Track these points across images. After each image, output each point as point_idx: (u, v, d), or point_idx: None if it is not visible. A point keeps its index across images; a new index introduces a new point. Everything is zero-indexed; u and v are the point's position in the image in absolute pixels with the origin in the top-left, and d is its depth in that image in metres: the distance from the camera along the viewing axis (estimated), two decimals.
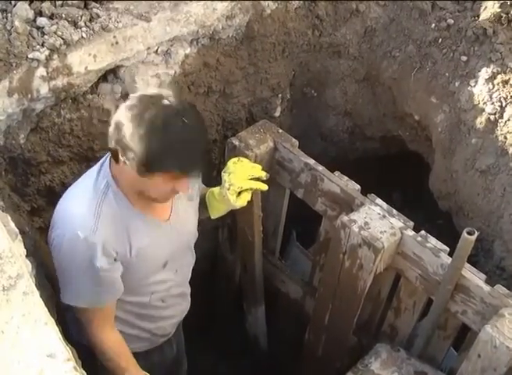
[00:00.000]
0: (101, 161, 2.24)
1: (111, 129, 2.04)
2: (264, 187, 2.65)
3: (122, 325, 2.50)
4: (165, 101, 1.97)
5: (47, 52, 2.40)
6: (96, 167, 2.23)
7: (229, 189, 2.52)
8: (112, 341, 2.40)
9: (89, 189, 2.17)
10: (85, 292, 2.23)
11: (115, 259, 2.21)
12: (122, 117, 1.98)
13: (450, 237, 3.04)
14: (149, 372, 2.57)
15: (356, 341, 3.22)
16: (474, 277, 2.58)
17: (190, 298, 2.81)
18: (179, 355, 3.10)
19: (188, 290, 2.77)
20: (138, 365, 2.49)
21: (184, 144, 1.98)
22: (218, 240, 3.71)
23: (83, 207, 2.13)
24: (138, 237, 2.26)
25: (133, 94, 2.06)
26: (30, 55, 2.37)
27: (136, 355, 2.54)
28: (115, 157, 2.07)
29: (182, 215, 2.45)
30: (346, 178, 2.96)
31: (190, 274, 2.74)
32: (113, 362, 2.42)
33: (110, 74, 2.73)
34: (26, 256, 2.01)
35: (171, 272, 2.52)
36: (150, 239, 2.31)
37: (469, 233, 2.38)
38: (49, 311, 1.84)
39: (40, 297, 1.81)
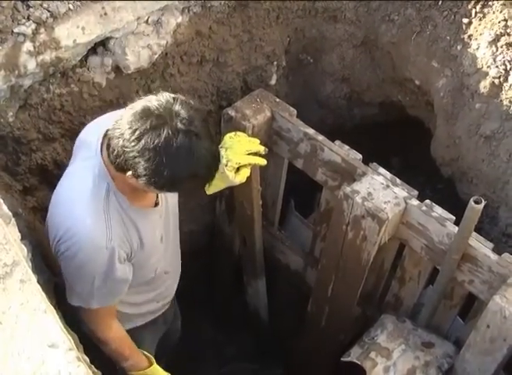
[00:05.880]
0: (93, 161, 2.11)
1: (119, 151, 1.93)
2: (263, 162, 2.59)
3: (134, 307, 2.57)
4: (181, 125, 1.87)
5: (33, 26, 2.31)
6: (88, 167, 2.11)
7: (226, 165, 2.46)
8: (114, 331, 2.41)
9: (90, 194, 2.08)
10: (98, 295, 2.21)
11: (128, 260, 2.23)
12: (140, 147, 1.87)
13: (452, 202, 3.01)
14: (142, 345, 2.60)
15: (360, 312, 3.19)
16: (481, 246, 2.54)
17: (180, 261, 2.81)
18: (172, 327, 3.15)
19: (179, 254, 2.75)
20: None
21: (208, 168, 1.99)
22: (215, 212, 3.65)
23: (92, 217, 2.07)
24: (145, 229, 2.25)
25: (136, 111, 1.91)
26: (15, 30, 2.28)
27: (132, 330, 2.59)
28: (120, 171, 2.00)
29: (169, 198, 2.43)
30: (347, 147, 2.89)
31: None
32: (117, 352, 2.44)
33: (99, 47, 2.63)
34: (21, 240, 1.96)
35: (167, 244, 2.50)
36: (152, 226, 2.31)
37: (476, 202, 2.32)
38: (48, 296, 1.79)
39: (38, 282, 1.78)
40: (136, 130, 1.87)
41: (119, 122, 1.93)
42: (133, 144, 1.87)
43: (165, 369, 2.63)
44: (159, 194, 2.34)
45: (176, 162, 1.88)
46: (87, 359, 1.81)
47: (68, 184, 2.17)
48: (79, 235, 2.06)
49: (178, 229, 2.63)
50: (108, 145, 1.99)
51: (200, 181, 2.06)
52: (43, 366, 1.57)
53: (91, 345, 2.18)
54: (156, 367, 2.57)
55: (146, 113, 1.88)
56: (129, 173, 1.95)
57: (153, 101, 1.91)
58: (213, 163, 2.00)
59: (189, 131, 1.88)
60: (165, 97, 1.93)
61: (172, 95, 1.95)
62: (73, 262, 2.11)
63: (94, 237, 2.06)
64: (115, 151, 1.94)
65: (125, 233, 2.16)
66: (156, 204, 2.33)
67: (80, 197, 2.09)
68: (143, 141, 1.86)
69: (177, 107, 1.90)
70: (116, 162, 1.97)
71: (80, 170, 2.15)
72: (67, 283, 2.22)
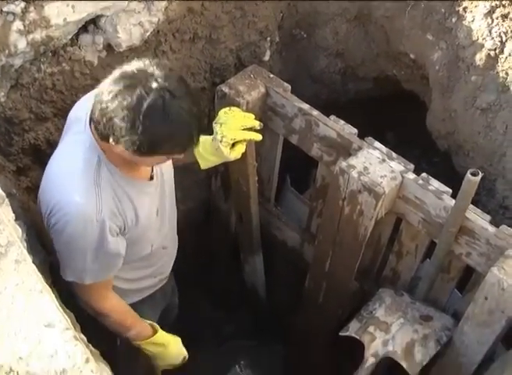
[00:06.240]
0: (83, 136, 2.10)
1: (98, 115, 1.94)
2: (259, 137, 2.57)
3: (131, 283, 2.57)
4: (155, 84, 1.87)
5: (22, 4, 2.28)
6: (79, 141, 2.11)
7: (221, 141, 2.45)
8: (111, 303, 2.40)
9: (80, 167, 2.07)
10: (91, 270, 2.20)
11: (121, 234, 2.21)
12: (114, 107, 1.88)
13: (448, 175, 3.00)
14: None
15: (357, 287, 3.19)
16: (478, 219, 2.53)
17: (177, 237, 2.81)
18: (171, 302, 3.19)
19: (176, 229, 2.74)
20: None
21: (186, 128, 1.95)
22: (211, 189, 3.64)
23: (82, 189, 2.05)
24: (140, 202, 2.24)
25: (115, 76, 1.94)
26: (4, 9, 2.25)
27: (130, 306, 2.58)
28: (104, 139, 1.99)
29: (165, 173, 2.42)
30: (342, 122, 2.88)
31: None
32: (118, 323, 2.44)
33: (90, 25, 2.60)
34: (15, 220, 1.94)
35: (163, 218, 2.50)
36: (147, 200, 2.29)
37: (473, 174, 2.32)
38: (43, 277, 1.78)
39: (33, 262, 1.76)
40: (111, 91, 1.89)
41: (101, 88, 1.95)
42: (108, 104, 1.89)
43: None
44: (154, 168, 2.32)
45: (150, 120, 1.87)
46: (85, 338, 1.81)
47: (58, 159, 2.15)
48: (68, 208, 2.04)
49: (175, 205, 2.62)
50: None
51: (180, 142, 1.99)
52: (39, 345, 1.56)
53: (89, 325, 2.17)
54: (162, 333, 2.58)
55: (122, 76, 1.91)
56: (111, 139, 1.94)
57: (131, 65, 1.94)
58: (192, 122, 1.95)
59: (162, 89, 1.88)
60: (143, 61, 1.95)
61: (151, 60, 1.96)
62: (62, 236, 2.09)
63: (84, 210, 2.04)
64: (96, 117, 1.95)
65: (117, 205, 2.14)
66: (151, 178, 2.31)
67: (71, 170, 2.08)
68: (116, 101, 1.87)
69: (152, 68, 1.91)
70: (99, 130, 1.97)
71: (70, 144, 2.15)
72: (60, 258, 2.21)
